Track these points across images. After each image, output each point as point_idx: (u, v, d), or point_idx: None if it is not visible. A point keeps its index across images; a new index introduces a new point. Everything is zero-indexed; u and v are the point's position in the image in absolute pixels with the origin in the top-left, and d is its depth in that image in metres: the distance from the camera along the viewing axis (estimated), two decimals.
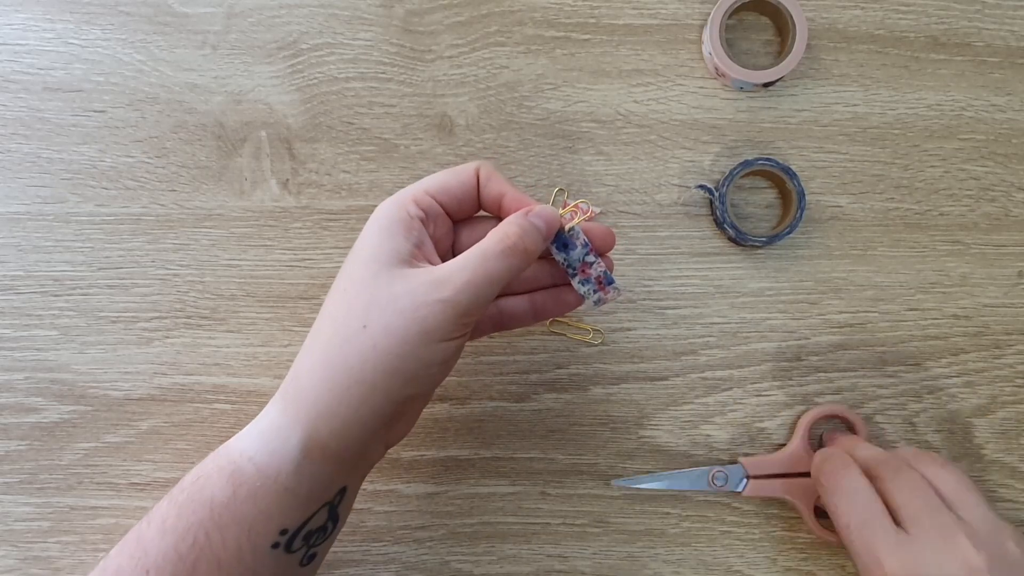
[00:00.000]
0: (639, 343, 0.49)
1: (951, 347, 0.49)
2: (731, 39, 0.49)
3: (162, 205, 0.50)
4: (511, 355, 0.49)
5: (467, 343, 0.47)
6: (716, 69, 0.49)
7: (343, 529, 0.48)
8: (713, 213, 0.49)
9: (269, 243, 0.50)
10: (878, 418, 0.49)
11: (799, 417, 0.49)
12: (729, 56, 0.48)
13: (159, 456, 0.49)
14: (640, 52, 0.50)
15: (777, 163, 0.48)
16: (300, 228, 0.50)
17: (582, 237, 0.40)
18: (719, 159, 0.49)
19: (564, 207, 0.40)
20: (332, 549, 0.47)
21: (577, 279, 0.41)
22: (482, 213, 0.41)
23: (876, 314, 0.49)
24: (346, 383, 0.36)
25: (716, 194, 0.48)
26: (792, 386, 0.49)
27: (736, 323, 0.49)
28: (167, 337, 0.49)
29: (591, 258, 0.40)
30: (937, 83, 0.50)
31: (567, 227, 0.39)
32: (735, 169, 0.48)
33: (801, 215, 0.47)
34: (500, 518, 0.49)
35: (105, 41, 0.50)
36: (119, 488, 0.49)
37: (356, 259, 0.38)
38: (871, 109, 0.49)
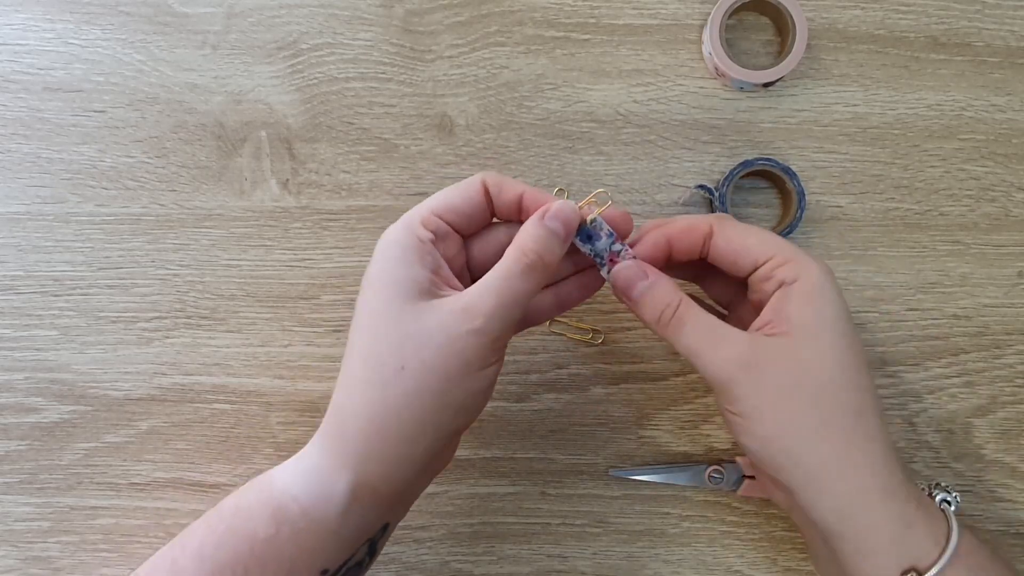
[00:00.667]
0: (639, 343, 0.49)
1: (951, 347, 0.49)
2: (731, 39, 0.49)
3: (162, 205, 0.50)
4: (511, 355, 0.49)
5: None
6: (716, 69, 0.49)
7: None
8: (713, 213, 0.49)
9: (269, 243, 0.50)
10: None
11: None
12: (729, 56, 0.48)
13: (159, 456, 0.49)
14: (640, 52, 0.50)
15: (777, 163, 0.48)
16: (300, 228, 0.50)
17: (606, 227, 0.39)
18: (719, 159, 0.49)
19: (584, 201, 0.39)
20: None
21: (606, 268, 0.40)
22: (496, 220, 0.41)
23: (876, 314, 0.49)
24: (395, 426, 0.35)
25: (716, 194, 0.48)
26: None
27: None
28: (167, 337, 0.49)
29: (617, 246, 0.39)
30: (937, 83, 0.50)
31: (589, 219, 0.38)
32: (735, 169, 0.48)
33: (801, 215, 0.47)
34: (500, 518, 0.49)
35: (105, 41, 0.50)
36: (119, 488, 0.49)
37: (376, 293, 0.36)
38: (871, 109, 0.49)
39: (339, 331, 0.49)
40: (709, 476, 0.48)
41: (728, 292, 0.43)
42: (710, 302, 0.44)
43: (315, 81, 0.50)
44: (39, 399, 0.49)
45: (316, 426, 0.49)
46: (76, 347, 0.49)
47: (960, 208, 0.49)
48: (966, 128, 0.49)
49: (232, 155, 0.50)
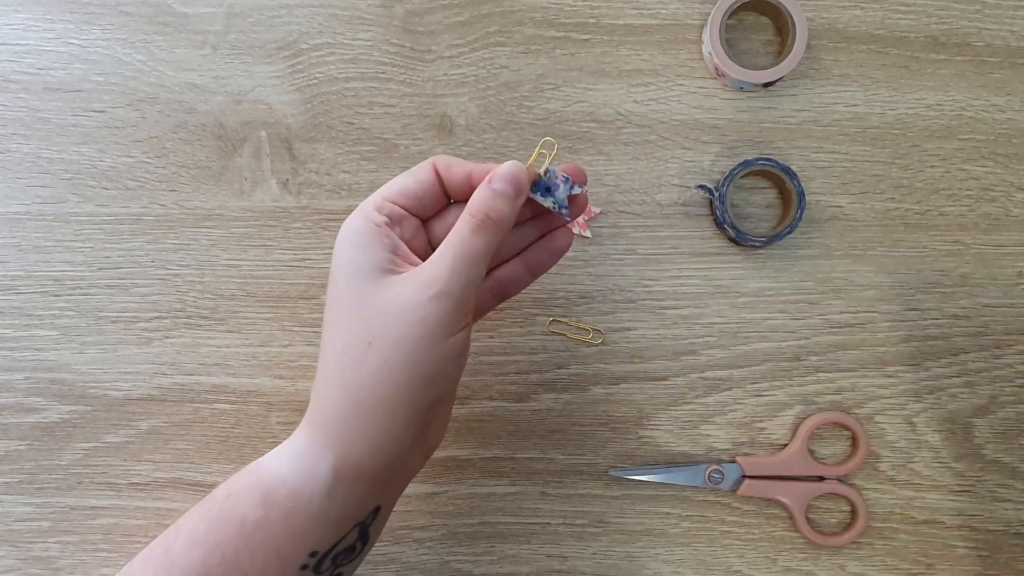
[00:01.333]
0: (639, 343, 0.49)
1: (951, 347, 0.49)
2: (731, 39, 0.49)
3: (162, 205, 0.50)
4: (511, 355, 0.49)
5: (476, 325, 0.47)
6: (716, 69, 0.49)
7: None
8: (713, 213, 0.49)
9: (269, 243, 0.50)
10: (878, 418, 0.49)
11: (799, 418, 0.49)
12: (729, 56, 0.48)
13: (159, 456, 0.49)
14: (640, 52, 0.50)
15: (777, 163, 0.48)
16: (300, 228, 0.50)
17: (560, 175, 0.39)
18: (719, 159, 0.49)
19: (533, 157, 0.39)
20: None
21: (568, 213, 0.40)
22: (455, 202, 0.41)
23: (876, 314, 0.49)
24: (369, 403, 0.36)
25: (716, 194, 0.48)
26: (792, 386, 0.49)
27: (736, 323, 0.49)
28: (167, 337, 0.49)
29: (577, 189, 0.40)
30: (937, 83, 0.49)
31: (542, 171, 0.39)
32: (735, 169, 0.48)
33: (801, 215, 0.47)
34: (500, 518, 0.49)
35: (105, 41, 0.50)
36: (119, 488, 0.49)
37: (339, 278, 0.37)
38: (871, 109, 0.49)
39: None
40: (709, 476, 0.48)
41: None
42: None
43: (315, 81, 0.50)
44: (39, 399, 0.49)
45: None
46: (76, 347, 0.49)
47: (960, 208, 0.49)
48: (966, 128, 0.49)
49: (232, 155, 0.50)
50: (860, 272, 0.49)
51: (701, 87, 0.50)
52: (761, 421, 0.49)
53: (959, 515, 0.49)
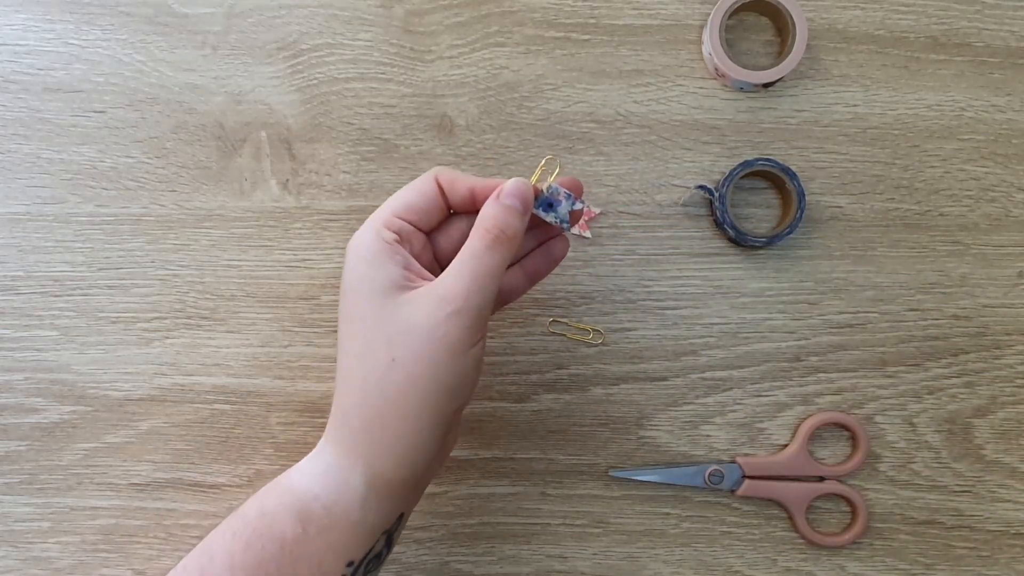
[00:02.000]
0: (639, 343, 0.49)
1: (951, 347, 0.49)
2: (731, 39, 0.49)
3: (162, 205, 0.50)
4: (511, 355, 0.49)
5: None
6: (716, 69, 0.49)
7: None
8: (713, 213, 0.49)
9: (269, 243, 0.50)
10: (878, 418, 0.49)
11: (799, 418, 0.49)
12: (729, 56, 0.48)
13: (159, 456, 0.49)
14: (640, 52, 0.50)
15: (777, 163, 0.48)
16: (300, 228, 0.50)
17: (562, 191, 0.40)
18: (719, 159, 0.49)
19: (535, 173, 0.40)
20: None
21: (568, 227, 0.41)
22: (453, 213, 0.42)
23: (876, 314, 0.49)
24: (395, 416, 0.37)
25: (716, 194, 0.48)
26: (792, 386, 0.49)
27: (736, 323, 0.49)
28: (167, 338, 0.49)
29: (578, 205, 0.40)
30: (937, 83, 0.49)
31: (545, 188, 0.40)
32: (735, 169, 0.48)
33: (801, 215, 0.47)
34: (500, 518, 0.49)
35: (105, 41, 0.50)
36: (119, 488, 0.49)
37: (355, 296, 0.38)
38: (871, 109, 0.49)
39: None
40: (709, 476, 0.48)
41: None
42: None
43: (315, 81, 0.50)
44: (39, 399, 0.49)
45: (316, 426, 0.49)
46: (76, 347, 0.49)
47: (960, 208, 0.49)
48: (966, 128, 0.49)
49: (232, 155, 0.50)
50: (860, 272, 0.49)
51: (701, 87, 0.50)
52: (761, 421, 0.49)
53: (959, 515, 0.49)
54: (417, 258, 0.39)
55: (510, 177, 0.39)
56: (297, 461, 0.40)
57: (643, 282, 0.49)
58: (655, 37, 0.50)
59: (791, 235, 0.48)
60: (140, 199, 0.50)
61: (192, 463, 0.49)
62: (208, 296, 0.49)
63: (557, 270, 0.49)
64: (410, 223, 0.39)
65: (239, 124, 0.50)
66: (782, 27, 0.49)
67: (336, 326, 0.49)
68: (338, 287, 0.49)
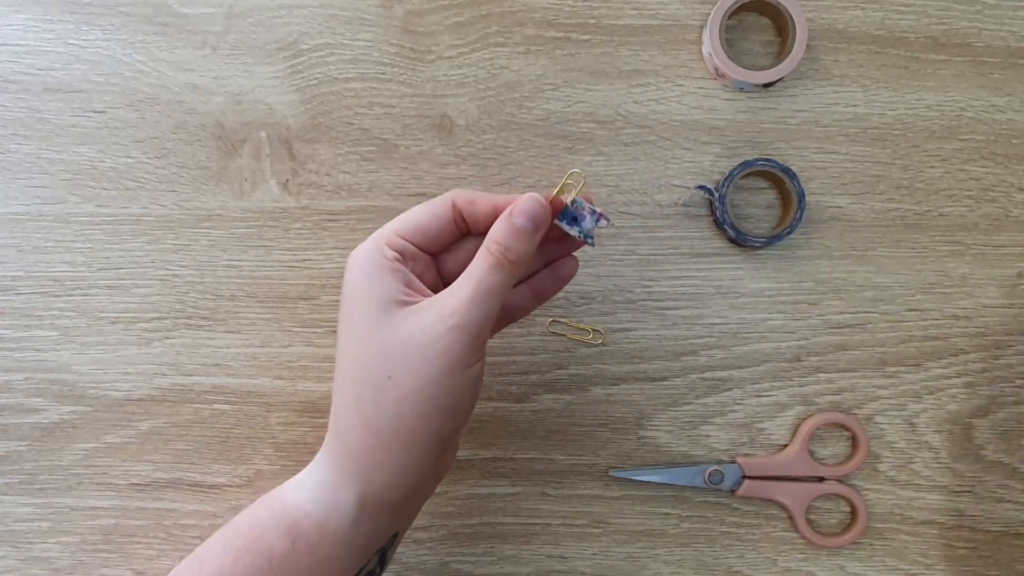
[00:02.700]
0: (639, 343, 0.49)
1: (951, 347, 0.49)
2: (731, 39, 0.49)
3: (162, 206, 0.50)
4: (511, 355, 0.49)
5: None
6: (716, 70, 0.49)
7: None
8: (713, 213, 0.49)
9: (269, 244, 0.50)
10: (878, 418, 0.49)
11: (799, 418, 0.49)
12: (729, 56, 0.48)
13: (159, 456, 0.49)
14: (640, 52, 0.50)
15: (777, 164, 0.48)
16: (300, 229, 0.50)
17: (587, 206, 0.39)
18: (719, 160, 0.49)
19: (557, 190, 0.39)
20: None
21: (593, 243, 0.40)
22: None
23: (876, 314, 0.49)
24: (390, 435, 0.36)
25: (716, 195, 0.48)
26: (792, 387, 0.49)
27: (736, 323, 0.49)
28: (167, 338, 0.49)
29: (603, 222, 0.40)
30: (937, 83, 0.49)
31: (569, 202, 0.39)
32: (735, 170, 0.48)
33: (801, 215, 0.47)
34: (500, 519, 0.49)
35: (105, 41, 0.50)
36: (119, 488, 0.49)
37: (353, 309, 0.37)
38: (871, 109, 0.49)
39: None
40: (709, 476, 0.48)
41: None
42: None
43: (315, 81, 0.50)
44: (39, 400, 0.49)
45: (316, 426, 0.49)
46: (76, 348, 0.49)
47: (960, 208, 0.49)
48: (966, 128, 0.49)
49: (232, 156, 0.50)
50: (860, 272, 0.49)
51: (701, 87, 0.50)
52: (761, 421, 0.49)
53: (959, 515, 0.49)
54: (419, 277, 0.39)
55: (522, 190, 0.38)
56: (297, 461, 0.40)
57: (643, 282, 0.49)
58: (655, 37, 0.50)
59: (791, 235, 0.48)
60: (140, 199, 0.50)
61: (192, 463, 0.49)
62: (208, 296, 0.49)
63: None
64: (415, 244, 0.38)
65: (239, 124, 0.50)
66: (782, 27, 0.49)
67: (336, 326, 0.49)
68: (338, 287, 0.49)
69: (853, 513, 0.49)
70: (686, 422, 0.49)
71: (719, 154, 0.49)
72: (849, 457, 0.49)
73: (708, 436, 0.49)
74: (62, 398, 0.49)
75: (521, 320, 0.49)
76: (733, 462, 0.48)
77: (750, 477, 0.48)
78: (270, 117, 0.50)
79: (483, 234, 0.39)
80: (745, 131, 0.49)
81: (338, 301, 0.49)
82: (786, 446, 0.49)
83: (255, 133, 0.50)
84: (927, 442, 0.49)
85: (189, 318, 0.49)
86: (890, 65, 0.50)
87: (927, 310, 0.49)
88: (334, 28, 0.50)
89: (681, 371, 0.49)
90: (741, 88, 0.49)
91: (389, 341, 0.36)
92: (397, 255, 0.38)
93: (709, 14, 0.48)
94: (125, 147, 0.50)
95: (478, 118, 0.50)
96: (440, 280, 0.40)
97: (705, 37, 0.49)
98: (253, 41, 0.50)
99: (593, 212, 0.39)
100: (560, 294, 0.49)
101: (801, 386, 0.49)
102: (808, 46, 0.48)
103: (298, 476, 0.39)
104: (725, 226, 0.48)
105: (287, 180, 0.50)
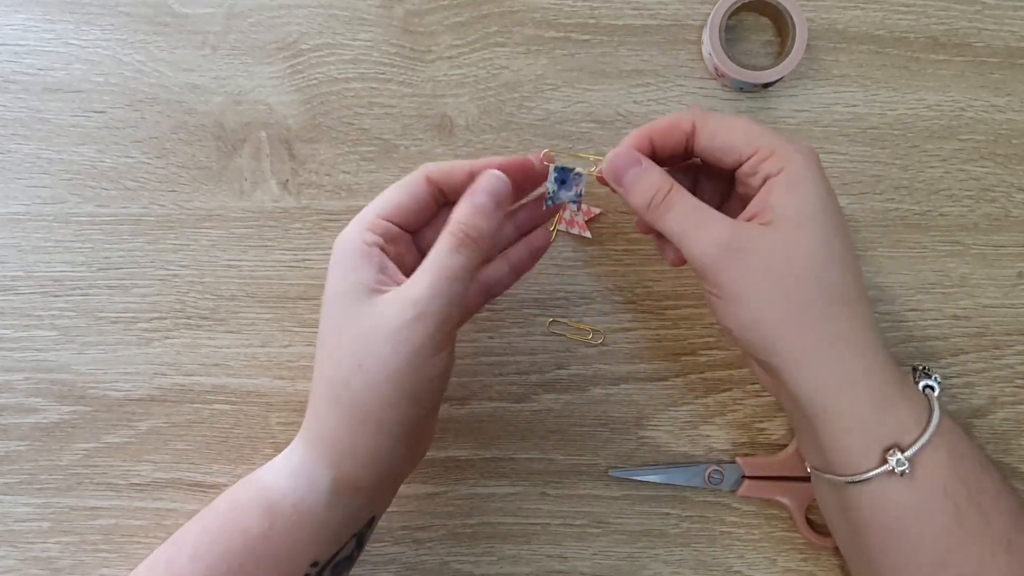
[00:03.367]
0: (639, 343, 0.49)
1: (951, 348, 0.49)
2: (731, 39, 0.49)
3: (162, 206, 0.50)
4: (511, 355, 0.49)
5: (475, 326, 0.48)
6: (716, 70, 0.49)
7: None
8: None
9: (269, 243, 0.50)
10: None
11: None
12: (729, 57, 0.48)
13: (159, 456, 0.49)
14: (640, 52, 0.50)
15: None
16: (300, 228, 0.50)
17: (583, 185, 0.41)
18: None
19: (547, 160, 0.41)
20: None
21: (550, 203, 0.42)
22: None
23: (876, 314, 0.49)
24: (359, 420, 0.37)
25: None
26: None
27: None
28: (167, 338, 0.49)
29: (575, 205, 0.42)
30: (937, 83, 0.49)
31: (577, 168, 0.41)
32: None
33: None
34: (500, 519, 0.49)
35: (105, 41, 0.50)
36: (119, 488, 0.49)
37: (330, 298, 0.38)
38: (871, 109, 0.49)
39: None
40: (709, 476, 0.48)
41: (719, 189, 0.43)
42: None
43: (315, 81, 0.50)
44: (39, 399, 0.49)
45: None
46: (76, 348, 0.49)
47: (960, 208, 0.49)
48: (966, 128, 0.49)
49: (232, 155, 0.50)
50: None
51: (701, 87, 0.50)
52: (761, 421, 0.49)
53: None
54: (400, 258, 0.39)
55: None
56: None
57: (643, 282, 0.49)
58: (655, 37, 0.50)
59: None
60: (140, 199, 0.50)
61: (192, 463, 0.49)
62: (208, 296, 0.49)
63: (557, 269, 0.49)
64: (396, 224, 0.39)
65: (239, 124, 0.50)
66: (782, 27, 0.49)
67: None
68: None
69: None
70: (686, 422, 0.49)
71: None
72: None
73: (708, 436, 0.49)
74: (62, 398, 0.49)
75: (521, 320, 0.49)
76: (733, 462, 0.48)
77: (750, 477, 0.48)
78: (270, 117, 0.50)
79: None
80: None
81: None
82: (786, 446, 0.49)
83: (255, 133, 0.50)
84: None
85: (189, 318, 0.49)
86: (890, 65, 0.50)
87: (927, 310, 0.49)
88: (334, 28, 0.50)
89: (681, 371, 0.49)
90: (741, 88, 0.49)
91: (360, 329, 0.36)
92: (379, 239, 0.38)
93: (709, 14, 0.48)
94: (125, 147, 0.50)
95: (478, 118, 0.50)
96: (421, 259, 0.41)
97: (705, 37, 0.49)
98: (253, 41, 0.50)
99: (580, 195, 0.41)
100: (560, 294, 0.49)
101: None
102: (808, 46, 0.48)
103: (276, 459, 0.40)
104: None
105: (287, 180, 0.50)
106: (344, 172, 0.50)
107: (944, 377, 0.49)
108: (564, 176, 0.41)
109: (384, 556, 0.49)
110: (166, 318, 0.49)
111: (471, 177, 0.39)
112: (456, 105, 0.50)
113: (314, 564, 0.38)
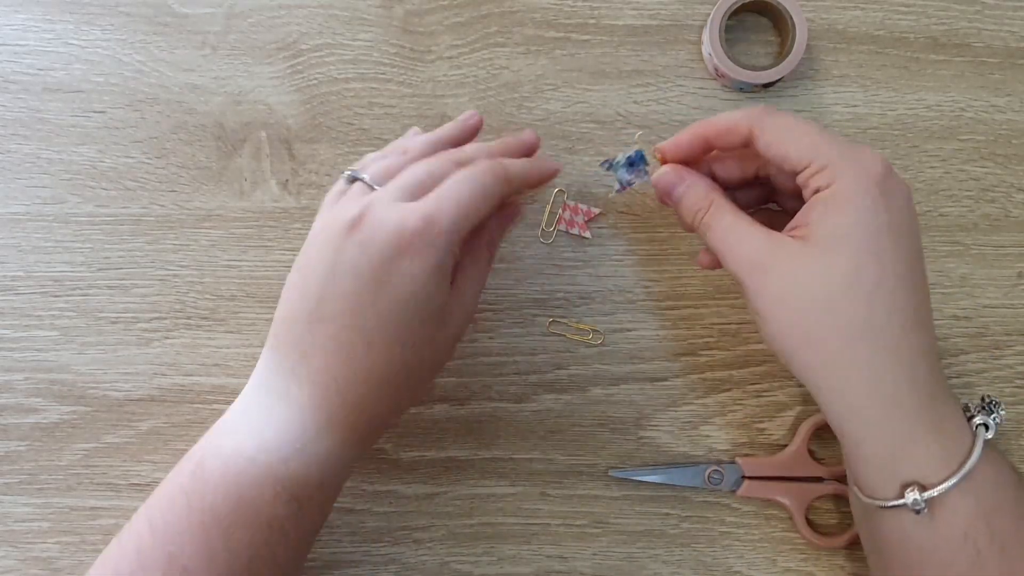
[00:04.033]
0: (639, 343, 0.49)
1: (951, 348, 0.49)
2: (731, 39, 0.49)
3: (162, 206, 0.50)
4: (511, 356, 0.49)
5: (475, 326, 0.48)
6: (716, 70, 0.49)
7: (343, 530, 0.48)
8: None
9: (269, 244, 0.50)
10: None
11: (799, 418, 0.49)
12: (729, 57, 0.48)
13: (159, 457, 0.49)
14: (640, 53, 0.50)
15: None
16: (300, 229, 0.50)
17: (648, 168, 0.44)
18: None
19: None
20: (332, 550, 0.47)
21: (620, 187, 0.45)
22: None
23: None
24: (378, 381, 0.38)
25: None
26: (792, 387, 0.49)
27: (736, 323, 0.49)
28: (167, 338, 0.49)
29: (638, 181, 0.45)
30: (937, 84, 0.49)
31: (640, 154, 0.44)
32: None
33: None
34: (500, 519, 0.49)
35: (105, 42, 0.50)
36: (119, 488, 0.49)
37: (413, 319, 0.38)
38: (871, 110, 0.49)
39: None
40: (709, 477, 0.48)
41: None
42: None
43: (315, 82, 0.50)
44: (39, 400, 0.49)
45: None
46: (76, 348, 0.49)
47: (960, 209, 0.49)
48: (966, 129, 0.49)
49: (232, 156, 0.50)
50: None
51: (701, 87, 0.50)
52: (761, 421, 0.49)
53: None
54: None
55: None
56: None
57: (643, 282, 0.49)
58: (655, 37, 0.50)
59: None
60: (140, 199, 0.50)
61: None
62: (208, 296, 0.49)
63: (557, 269, 0.49)
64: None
65: (239, 124, 0.50)
66: (782, 27, 0.49)
67: None
68: None
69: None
70: (686, 422, 0.49)
71: None
72: None
73: (708, 436, 0.49)
74: (62, 398, 0.49)
75: (521, 320, 0.49)
76: (733, 462, 0.48)
77: (750, 477, 0.48)
78: (270, 117, 0.50)
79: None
80: None
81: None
82: (786, 446, 0.49)
83: (255, 133, 0.50)
84: None
85: (189, 318, 0.49)
86: (890, 65, 0.50)
87: None
88: (334, 28, 0.50)
89: (681, 371, 0.49)
90: (741, 88, 0.49)
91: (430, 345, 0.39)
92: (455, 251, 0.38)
93: (709, 14, 0.48)
94: (125, 147, 0.50)
95: None
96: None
97: (705, 37, 0.49)
98: (253, 41, 0.50)
99: (645, 173, 0.44)
100: (560, 294, 0.49)
101: (801, 386, 0.49)
102: (808, 46, 0.48)
103: (291, 451, 0.37)
104: None
105: (287, 180, 0.50)
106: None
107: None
108: (634, 159, 0.44)
109: (384, 556, 0.49)
110: (166, 318, 0.49)
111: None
112: (456, 105, 0.50)
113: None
